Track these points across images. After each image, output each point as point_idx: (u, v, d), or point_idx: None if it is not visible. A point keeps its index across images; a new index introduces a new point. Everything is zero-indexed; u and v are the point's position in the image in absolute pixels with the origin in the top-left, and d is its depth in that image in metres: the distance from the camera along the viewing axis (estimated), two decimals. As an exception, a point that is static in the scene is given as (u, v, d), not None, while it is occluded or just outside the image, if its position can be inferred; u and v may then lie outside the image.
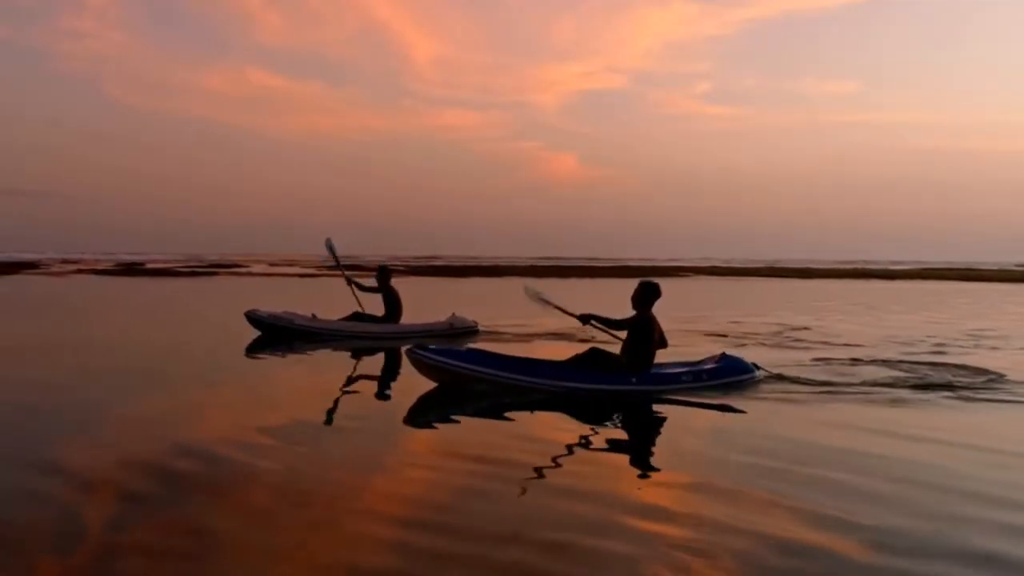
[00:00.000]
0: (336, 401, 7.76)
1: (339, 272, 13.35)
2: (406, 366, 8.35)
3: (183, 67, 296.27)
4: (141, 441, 5.84)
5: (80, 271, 45.77)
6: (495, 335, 13.01)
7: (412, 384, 8.03)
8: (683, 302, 22.89)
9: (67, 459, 5.33)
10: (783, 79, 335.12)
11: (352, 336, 12.26)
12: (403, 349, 7.71)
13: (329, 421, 6.81)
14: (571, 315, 7.97)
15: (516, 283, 35.42)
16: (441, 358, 7.37)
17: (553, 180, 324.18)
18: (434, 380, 7.59)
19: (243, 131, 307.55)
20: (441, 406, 7.32)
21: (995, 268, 73.72)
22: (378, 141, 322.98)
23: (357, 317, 12.51)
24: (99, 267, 51.27)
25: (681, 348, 10.22)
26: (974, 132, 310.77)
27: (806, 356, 10.78)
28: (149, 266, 54.65)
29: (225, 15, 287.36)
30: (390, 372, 10.13)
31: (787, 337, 13.46)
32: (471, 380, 7.41)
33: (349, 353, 11.43)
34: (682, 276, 50.87)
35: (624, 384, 7.54)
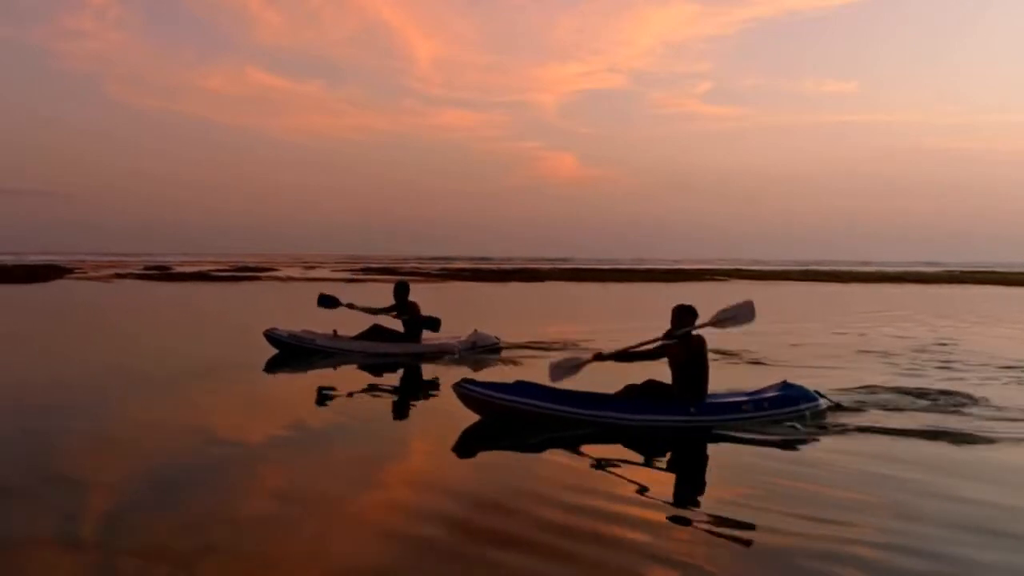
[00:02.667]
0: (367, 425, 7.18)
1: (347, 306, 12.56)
2: (431, 380, 8.30)
3: (183, 67, 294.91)
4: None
5: (117, 275, 45.17)
6: (520, 351, 12.46)
7: (449, 413, 7.48)
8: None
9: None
10: (783, 79, 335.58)
11: (373, 355, 11.65)
12: (452, 385, 7.16)
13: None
14: (589, 362, 7.36)
15: (524, 288, 36.16)
16: (489, 392, 6.91)
17: (553, 180, 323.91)
18: (480, 414, 7.07)
19: (243, 131, 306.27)
20: (487, 440, 6.85)
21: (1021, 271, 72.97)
22: (378, 141, 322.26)
23: (376, 330, 11.95)
24: (134, 271, 50.64)
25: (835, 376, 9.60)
26: (975, 132, 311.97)
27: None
28: (178, 270, 53.97)
29: (225, 15, 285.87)
30: (423, 396, 9.60)
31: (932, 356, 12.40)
32: (521, 414, 6.91)
33: (370, 373, 10.78)
34: (715, 280, 48.84)
35: (682, 415, 6.99)
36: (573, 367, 7.43)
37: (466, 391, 7.00)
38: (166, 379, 9.97)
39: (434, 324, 12.25)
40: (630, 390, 7.21)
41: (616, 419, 6.93)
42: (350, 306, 12.44)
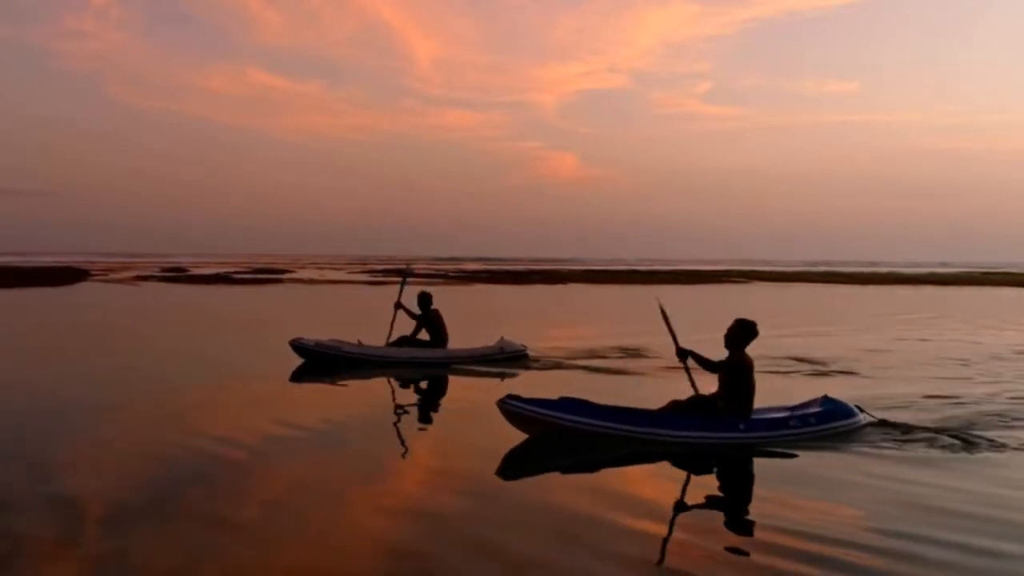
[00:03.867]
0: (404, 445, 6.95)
1: (398, 298, 12.26)
2: (461, 391, 8.27)
3: (184, 67, 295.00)
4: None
5: (138, 277, 44.89)
6: (546, 358, 12.30)
7: (484, 424, 7.28)
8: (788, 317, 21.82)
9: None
10: (783, 79, 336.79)
11: (401, 363, 11.53)
12: (497, 402, 6.92)
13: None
14: (675, 343, 7.20)
15: (546, 291, 36.02)
16: (534, 408, 6.76)
17: (553, 180, 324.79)
18: (525, 432, 6.89)
19: (243, 131, 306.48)
20: (535, 459, 6.66)
21: None
22: (378, 141, 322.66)
23: (403, 340, 11.85)
24: (152, 273, 50.35)
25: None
26: (976, 132, 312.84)
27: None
28: (194, 271, 53.65)
29: (226, 15, 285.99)
30: (453, 405, 9.36)
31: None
32: (567, 431, 6.76)
33: (398, 382, 10.67)
34: (733, 283, 48.86)
35: (732, 432, 6.84)
36: (665, 318, 7.42)
37: (511, 407, 6.82)
38: (194, 388, 9.87)
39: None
40: (676, 405, 7.07)
41: (666, 436, 6.79)
42: (399, 304, 12.12)
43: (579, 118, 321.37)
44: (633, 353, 13.01)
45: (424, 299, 12.02)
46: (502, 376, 10.78)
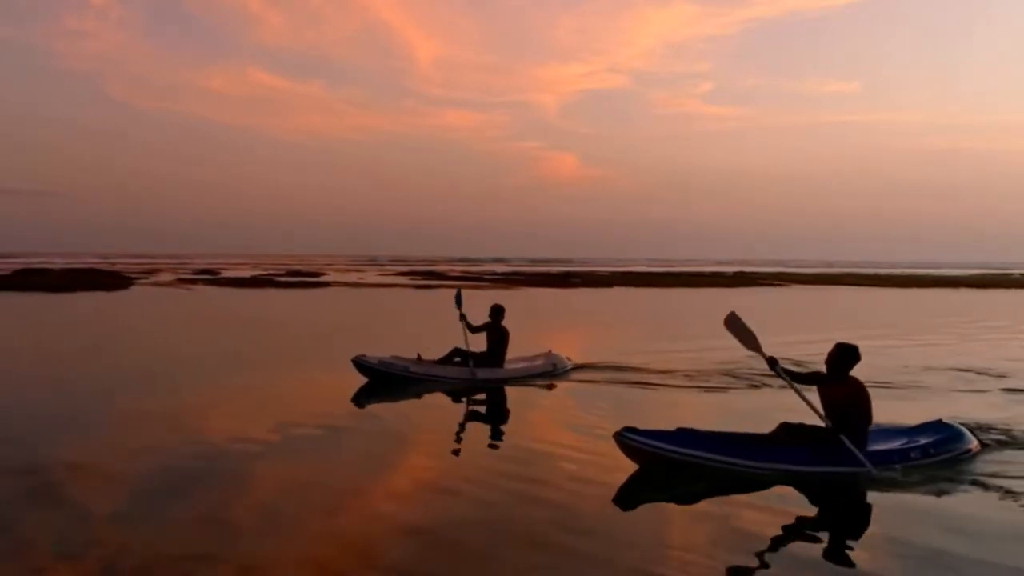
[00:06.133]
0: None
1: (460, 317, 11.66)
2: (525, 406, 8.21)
3: (184, 67, 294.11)
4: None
5: (180, 280, 44.43)
6: (597, 371, 11.97)
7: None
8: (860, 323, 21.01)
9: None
10: (784, 79, 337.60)
11: (460, 381, 11.12)
12: (614, 434, 6.56)
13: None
14: (762, 354, 6.83)
15: (593, 295, 35.33)
16: (651, 441, 6.51)
17: (553, 180, 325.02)
18: (639, 463, 6.62)
19: (244, 131, 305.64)
20: (652, 490, 6.30)
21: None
22: (379, 141, 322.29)
23: (458, 353, 11.45)
24: (191, 276, 49.90)
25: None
26: (977, 132, 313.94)
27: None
28: (226, 274, 53.25)
29: (226, 16, 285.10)
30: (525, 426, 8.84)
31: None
32: (685, 465, 6.47)
33: (459, 401, 10.34)
34: (769, 286, 47.64)
35: (856, 465, 6.47)
36: (748, 336, 7.09)
37: (628, 440, 6.54)
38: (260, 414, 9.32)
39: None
40: (787, 429, 6.76)
41: (787, 471, 6.44)
42: (462, 317, 11.55)
43: (579, 118, 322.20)
44: (719, 368, 12.43)
45: (496, 311, 11.71)
46: (566, 393, 10.56)
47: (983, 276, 64.43)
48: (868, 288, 46.02)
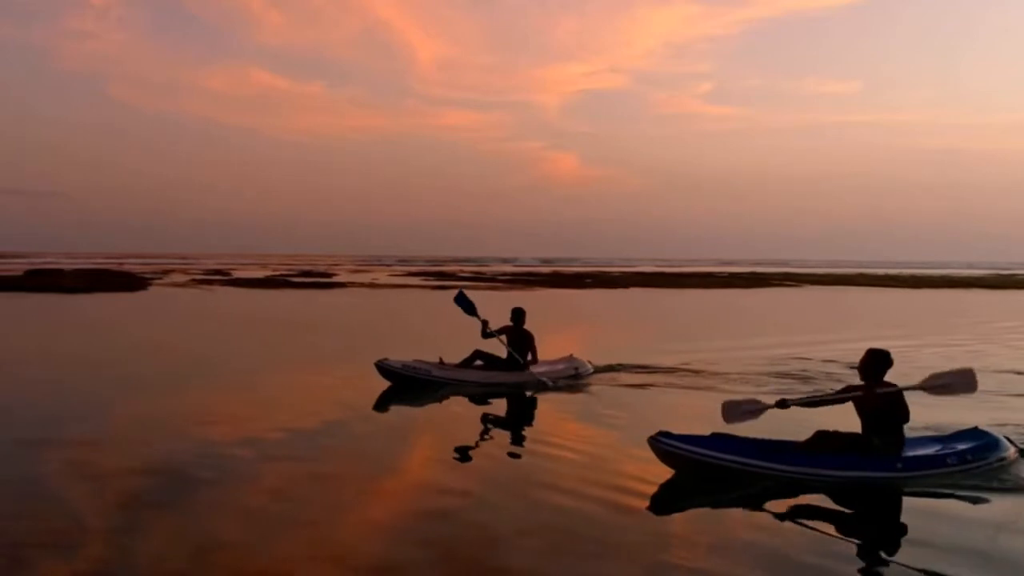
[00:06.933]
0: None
1: (478, 320, 11.53)
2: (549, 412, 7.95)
3: (186, 67, 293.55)
4: None
5: (193, 281, 44.42)
6: (619, 374, 11.95)
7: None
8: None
9: None
10: (785, 79, 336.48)
11: (482, 384, 11.09)
12: (648, 439, 6.53)
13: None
14: (770, 408, 6.83)
15: (608, 296, 34.79)
16: (687, 446, 6.49)
17: (554, 180, 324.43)
18: (676, 469, 6.59)
19: (245, 131, 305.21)
20: (691, 495, 6.30)
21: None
22: (380, 141, 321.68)
23: (479, 355, 11.39)
24: (202, 277, 49.76)
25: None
26: (979, 132, 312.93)
27: None
28: (237, 275, 53.21)
29: (228, 16, 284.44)
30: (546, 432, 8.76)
31: None
32: (721, 470, 6.45)
33: (477, 401, 10.38)
34: (783, 286, 47.26)
35: (891, 471, 6.45)
36: (751, 412, 6.91)
37: (663, 445, 6.52)
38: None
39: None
40: (823, 437, 6.71)
41: (822, 475, 6.43)
42: (485, 324, 11.40)
43: (580, 118, 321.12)
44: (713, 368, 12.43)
45: (518, 314, 11.56)
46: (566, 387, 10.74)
47: (997, 277, 64.05)
48: (880, 289, 45.71)
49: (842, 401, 6.80)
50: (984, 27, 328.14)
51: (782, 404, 6.77)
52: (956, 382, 6.73)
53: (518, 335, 11.51)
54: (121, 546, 4.88)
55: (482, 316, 11.47)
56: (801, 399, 6.91)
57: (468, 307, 11.65)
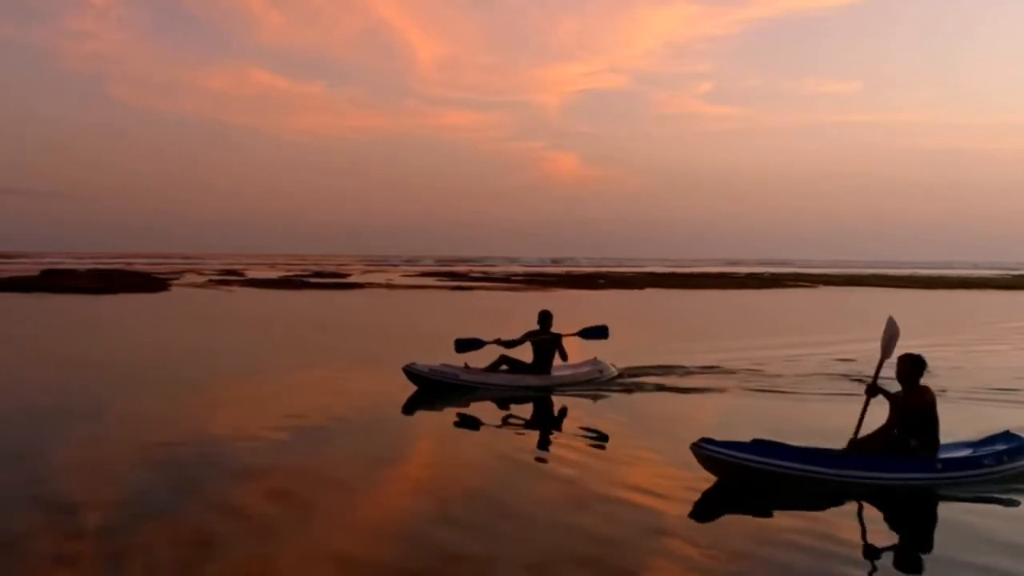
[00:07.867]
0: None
1: (492, 344, 11.60)
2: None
3: (186, 67, 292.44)
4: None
5: (211, 282, 44.39)
6: (643, 376, 11.88)
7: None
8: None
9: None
10: (785, 79, 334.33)
11: (509, 388, 11.12)
12: (691, 445, 6.50)
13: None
14: (875, 378, 6.90)
15: (625, 297, 34.64)
16: (729, 452, 6.49)
17: (555, 180, 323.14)
18: (717, 475, 6.59)
19: (246, 131, 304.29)
20: (733, 502, 6.30)
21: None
22: (380, 141, 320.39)
23: (504, 360, 11.37)
24: (218, 277, 49.66)
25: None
26: (979, 132, 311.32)
27: None
28: (250, 275, 53.20)
29: (228, 15, 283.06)
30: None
31: None
32: (762, 475, 6.45)
33: (503, 405, 10.37)
34: (799, 287, 46.63)
35: (931, 473, 6.53)
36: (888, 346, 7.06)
37: (704, 451, 6.52)
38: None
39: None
40: (861, 442, 6.79)
41: (861, 478, 6.46)
42: (497, 342, 11.52)
43: (581, 118, 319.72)
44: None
45: (544, 317, 11.56)
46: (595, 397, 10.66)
47: (1011, 278, 63.61)
48: (896, 289, 45.12)
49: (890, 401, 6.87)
50: (984, 27, 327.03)
51: (873, 391, 6.84)
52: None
53: (542, 338, 11.50)
54: (120, 546, 5.01)
55: (490, 339, 11.56)
56: (888, 394, 6.90)
57: (472, 344, 11.62)
